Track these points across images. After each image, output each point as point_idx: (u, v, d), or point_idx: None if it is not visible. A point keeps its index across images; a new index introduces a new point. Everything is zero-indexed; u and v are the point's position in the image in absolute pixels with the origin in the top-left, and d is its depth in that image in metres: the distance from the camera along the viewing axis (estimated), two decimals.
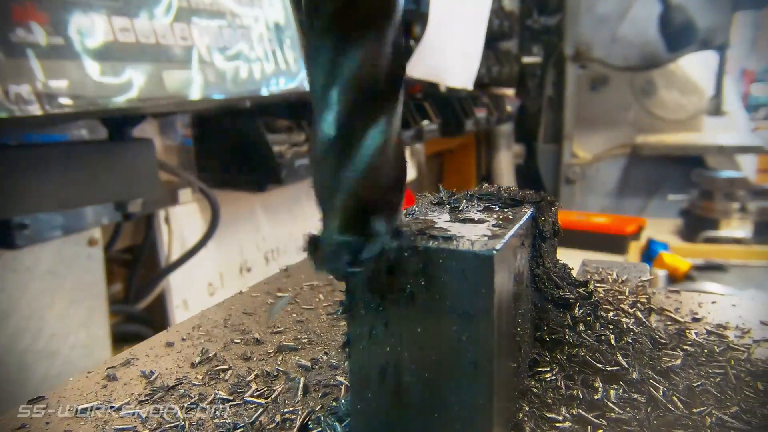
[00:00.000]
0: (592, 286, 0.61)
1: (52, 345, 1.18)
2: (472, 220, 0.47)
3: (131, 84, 0.96)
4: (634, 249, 2.63)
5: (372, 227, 0.37)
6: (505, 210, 0.53)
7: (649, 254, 2.69)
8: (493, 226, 0.46)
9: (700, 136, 4.17)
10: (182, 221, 1.57)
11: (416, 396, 0.41)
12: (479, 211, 0.52)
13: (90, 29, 0.90)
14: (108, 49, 0.93)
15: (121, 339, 1.40)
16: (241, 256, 1.77)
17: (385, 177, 0.37)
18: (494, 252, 0.38)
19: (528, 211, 0.53)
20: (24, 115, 0.80)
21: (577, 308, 0.57)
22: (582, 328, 0.56)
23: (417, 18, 1.95)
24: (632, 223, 2.84)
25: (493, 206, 0.54)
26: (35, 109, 0.81)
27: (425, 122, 2.34)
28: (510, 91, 3.61)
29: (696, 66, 4.12)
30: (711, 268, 2.63)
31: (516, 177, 4.08)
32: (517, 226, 0.47)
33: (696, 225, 3.08)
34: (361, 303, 0.41)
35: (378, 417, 0.43)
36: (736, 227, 3.04)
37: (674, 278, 2.50)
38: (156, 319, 1.53)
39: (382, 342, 0.41)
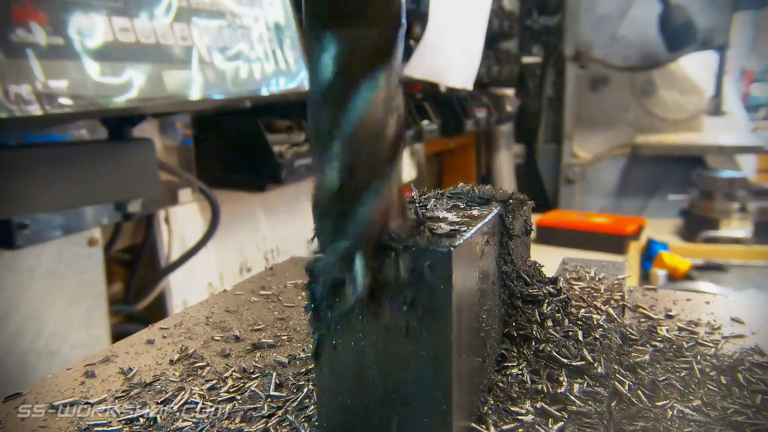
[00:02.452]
0: (561, 284, 0.62)
1: (52, 345, 1.18)
2: (437, 218, 0.48)
3: (131, 84, 0.96)
4: (634, 249, 2.63)
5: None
6: (472, 208, 0.53)
7: (649, 254, 2.69)
8: (456, 223, 0.47)
9: (700, 136, 4.17)
10: (182, 221, 1.57)
11: (379, 390, 0.42)
12: (446, 209, 0.53)
13: (90, 29, 0.90)
14: (108, 49, 0.93)
15: (121, 339, 1.39)
16: (241, 256, 1.77)
17: (384, 122, 0.37)
18: (452, 248, 0.39)
19: (495, 210, 0.54)
20: (24, 115, 0.80)
21: (545, 305, 0.58)
22: (550, 324, 0.57)
23: (417, 18, 1.95)
24: (632, 223, 2.83)
25: (461, 205, 0.55)
26: (35, 109, 0.81)
27: (425, 122, 2.34)
28: (510, 91, 3.61)
29: (696, 66, 4.12)
30: (711, 268, 2.63)
31: (516, 177, 4.08)
32: (480, 223, 0.48)
33: (696, 225, 3.08)
34: (324, 300, 0.42)
35: (343, 412, 0.43)
36: (736, 227, 3.04)
37: (674, 278, 2.50)
38: (156, 319, 1.52)
39: (345, 338, 0.42)
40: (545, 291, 0.59)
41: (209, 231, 1.50)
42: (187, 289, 1.56)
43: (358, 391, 0.43)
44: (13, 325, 1.12)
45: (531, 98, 4.07)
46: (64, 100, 0.85)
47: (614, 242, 2.70)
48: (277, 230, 1.90)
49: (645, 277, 2.54)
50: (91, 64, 0.90)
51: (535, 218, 3.28)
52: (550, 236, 2.87)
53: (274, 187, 1.60)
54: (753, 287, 2.42)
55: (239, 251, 1.76)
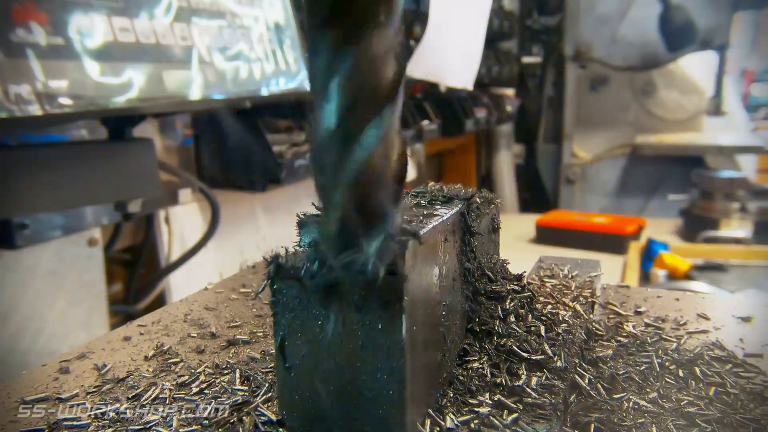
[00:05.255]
0: (526, 280, 0.63)
1: (52, 345, 1.18)
2: None
3: (131, 84, 0.96)
4: (634, 249, 2.63)
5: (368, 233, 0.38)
6: (434, 206, 0.54)
7: (649, 254, 2.68)
8: (414, 222, 0.47)
9: (700, 136, 4.17)
10: (182, 221, 1.57)
11: (336, 384, 0.43)
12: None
13: (90, 29, 0.90)
14: (108, 49, 0.93)
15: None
16: (241, 256, 1.77)
17: (385, 170, 0.37)
18: (406, 245, 0.40)
19: (456, 208, 0.54)
20: (24, 115, 0.80)
21: (508, 301, 0.59)
22: (513, 319, 0.57)
23: (417, 18, 1.95)
24: (632, 223, 2.83)
25: (423, 203, 0.56)
26: (35, 109, 0.81)
27: (425, 122, 2.34)
28: (510, 91, 3.61)
29: (696, 66, 4.12)
30: (711, 268, 2.62)
31: (516, 177, 4.08)
32: (437, 221, 0.49)
33: (696, 225, 3.08)
34: (285, 296, 0.43)
35: (302, 405, 0.45)
36: (736, 227, 3.04)
37: (674, 278, 2.49)
38: None
39: (304, 333, 0.44)
40: (509, 288, 0.60)
41: (209, 231, 1.50)
42: (187, 289, 1.56)
43: (316, 384, 0.44)
44: (13, 325, 1.12)
45: (531, 98, 4.07)
46: (64, 100, 0.85)
47: (614, 242, 2.69)
48: (277, 230, 1.90)
49: (645, 277, 2.54)
50: (91, 64, 0.90)
51: (535, 218, 3.26)
52: (550, 236, 2.86)
53: (274, 187, 1.60)
54: (753, 287, 2.42)
55: (239, 251, 1.76)
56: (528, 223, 3.07)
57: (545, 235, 2.89)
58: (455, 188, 0.61)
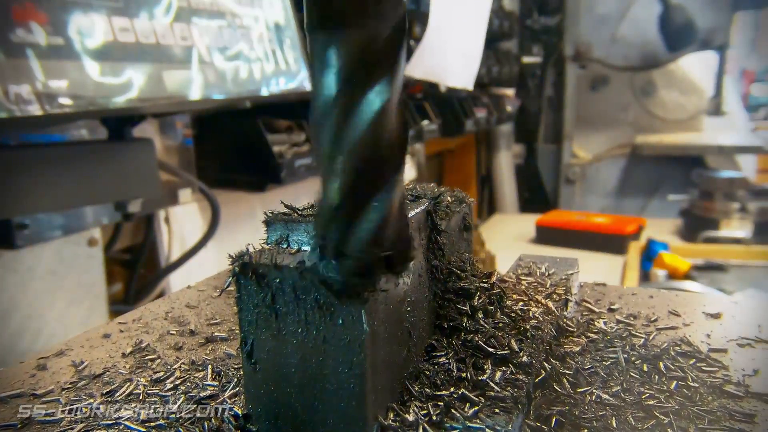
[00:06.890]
0: (495, 278, 0.63)
1: (52, 345, 1.18)
2: None
3: (131, 84, 0.96)
4: (634, 249, 2.63)
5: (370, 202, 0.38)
6: None
7: (649, 254, 2.68)
8: None
9: (700, 136, 4.17)
10: (182, 221, 1.57)
11: (299, 377, 0.44)
12: None
13: (90, 29, 0.90)
14: (108, 49, 0.93)
15: None
16: None
17: (386, 137, 0.37)
18: None
19: (422, 206, 0.55)
20: (24, 115, 0.80)
21: (476, 298, 0.59)
22: (481, 316, 0.58)
23: (417, 18, 1.95)
24: (632, 223, 2.83)
25: None
26: (35, 109, 0.81)
27: (425, 122, 2.34)
28: (510, 91, 3.61)
29: (696, 66, 4.12)
30: (711, 268, 2.62)
31: (516, 177, 4.08)
32: None
33: (696, 225, 3.08)
34: (250, 292, 0.45)
35: (267, 398, 0.46)
36: (736, 227, 3.04)
37: (674, 278, 2.49)
38: None
39: (268, 327, 0.45)
40: (477, 285, 0.60)
41: (209, 231, 1.50)
42: None
43: (280, 378, 0.45)
44: (13, 325, 1.12)
45: (531, 98, 4.07)
46: (64, 100, 0.85)
47: (614, 242, 2.70)
48: None
49: (645, 277, 2.54)
50: (91, 64, 0.90)
51: (535, 218, 3.25)
52: (550, 236, 2.87)
53: (274, 187, 1.60)
54: (753, 287, 2.42)
55: (239, 251, 1.76)
56: (528, 223, 3.07)
57: (545, 236, 2.89)
58: (426, 187, 0.62)
